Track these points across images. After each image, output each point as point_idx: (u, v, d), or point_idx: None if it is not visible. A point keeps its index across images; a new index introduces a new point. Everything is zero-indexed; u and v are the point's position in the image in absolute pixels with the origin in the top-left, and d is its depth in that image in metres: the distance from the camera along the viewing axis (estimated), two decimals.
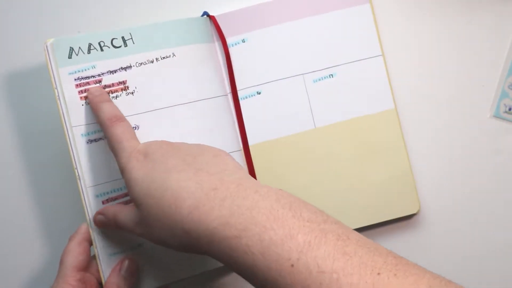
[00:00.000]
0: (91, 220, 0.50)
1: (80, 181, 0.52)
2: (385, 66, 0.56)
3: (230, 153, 0.54)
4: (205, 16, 0.56)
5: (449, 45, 0.57)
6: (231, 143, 0.55)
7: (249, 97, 0.56)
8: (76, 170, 0.52)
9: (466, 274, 0.56)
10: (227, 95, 0.56)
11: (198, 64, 0.54)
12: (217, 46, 0.56)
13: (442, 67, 0.57)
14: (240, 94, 0.56)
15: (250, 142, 0.56)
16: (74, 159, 0.52)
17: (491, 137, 0.56)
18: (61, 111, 0.50)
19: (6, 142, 0.57)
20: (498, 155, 0.56)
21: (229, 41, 0.56)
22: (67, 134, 0.52)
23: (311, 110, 0.56)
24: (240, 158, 0.55)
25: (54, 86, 0.49)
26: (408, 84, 0.57)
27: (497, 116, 0.56)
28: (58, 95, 0.49)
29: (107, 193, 0.50)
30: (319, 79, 0.56)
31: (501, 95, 0.56)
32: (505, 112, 0.56)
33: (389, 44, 0.57)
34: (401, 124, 0.56)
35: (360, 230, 0.56)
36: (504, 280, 0.56)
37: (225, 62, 0.56)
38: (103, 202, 0.50)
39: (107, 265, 0.49)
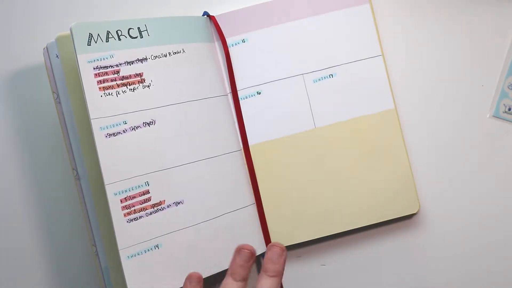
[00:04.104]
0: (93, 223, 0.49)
1: (79, 181, 0.52)
2: (385, 66, 0.56)
3: (230, 153, 0.54)
4: (205, 16, 0.56)
5: (449, 45, 0.57)
6: (231, 143, 0.55)
7: (249, 97, 0.56)
8: (74, 171, 0.52)
9: (466, 274, 0.56)
10: (227, 95, 0.56)
11: (202, 62, 0.54)
12: (217, 46, 0.56)
13: (442, 67, 0.57)
14: (240, 94, 0.56)
15: (250, 142, 0.56)
16: (74, 159, 0.52)
17: (491, 137, 0.56)
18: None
19: (6, 142, 0.57)
20: (498, 155, 0.56)
21: (229, 41, 0.56)
22: (64, 132, 0.52)
23: (311, 110, 0.56)
24: (240, 158, 0.55)
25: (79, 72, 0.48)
26: (408, 84, 0.57)
27: (496, 116, 0.57)
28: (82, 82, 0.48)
29: (126, 191, 0.49)
30: (319, 79, 0.56)
31: (500, 95, 0.56)
32: (505, 112, 0.56)
33: (389, 44, 0.57)
34: (401, 124, 0.56)
35: (360, 230, 0.57)
36: (504, 280, 0.56)
37: (225, 62, 0.56)
38: (121, 201, 0.49)
39: (128, 268, 0.48)
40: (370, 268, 0.57)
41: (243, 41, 0.56)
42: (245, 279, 0.48)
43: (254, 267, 0.57)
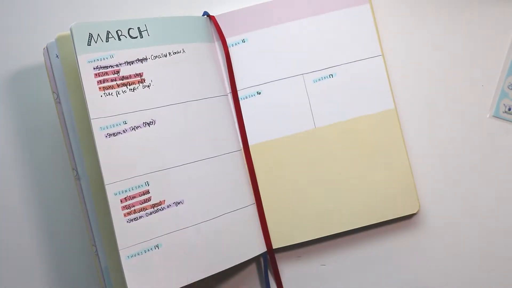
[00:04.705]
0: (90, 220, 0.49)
1: (79, 181, 0.52)
2: (385, 66, 0.56)
3: (230, 153, 0.54)
4: (205, 16, 0.56)
5: (449, 45, 0.57)
6: (231, 143, 0.55)
7: (249, 97, 0.56)
8: (74, 171, 0.52)
9: (466, 274, 0.56)
10: (227, 95, 0.56)
11: (202, 62, 0.54)
12: (217, 46, 0.56)
13: (442, 67, 0.57)
14: (240, 94, 0.56)
15: (250, 142, 0.56)
16: (74, 159, 0.52)
17: (490, 137, 0.56)
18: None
19: (6, 142, 0.57)
20: (498, 155, 0.56)
21: (229, 41, 0.56)
22: (64, 132, 0.52)
23: (311, 110, 0.56)
24: (240, 158, 0.55)
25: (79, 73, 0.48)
26: (408, 84, 0.57)
27: (496, 116, 0.56)
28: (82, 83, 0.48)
29: (125, 191, 0.49)
30: (319, 79, 0.56)
31: (500, 95, 0.56)
32: (505, 112, 0.56)
33: (389, 44, 0.57)
34: (401, 124, 0.56)
35: (360, 230, 0.57)
36: (504, 280, 0.56)
37: (225, 62, 0.56)
38: (121, 201, 0.49)
39: (128, 268, 0.48)
40: (370, 268, 0.57)
41: (243, 41, 0.56)
42: None
43: (256, 275, 0.58)
